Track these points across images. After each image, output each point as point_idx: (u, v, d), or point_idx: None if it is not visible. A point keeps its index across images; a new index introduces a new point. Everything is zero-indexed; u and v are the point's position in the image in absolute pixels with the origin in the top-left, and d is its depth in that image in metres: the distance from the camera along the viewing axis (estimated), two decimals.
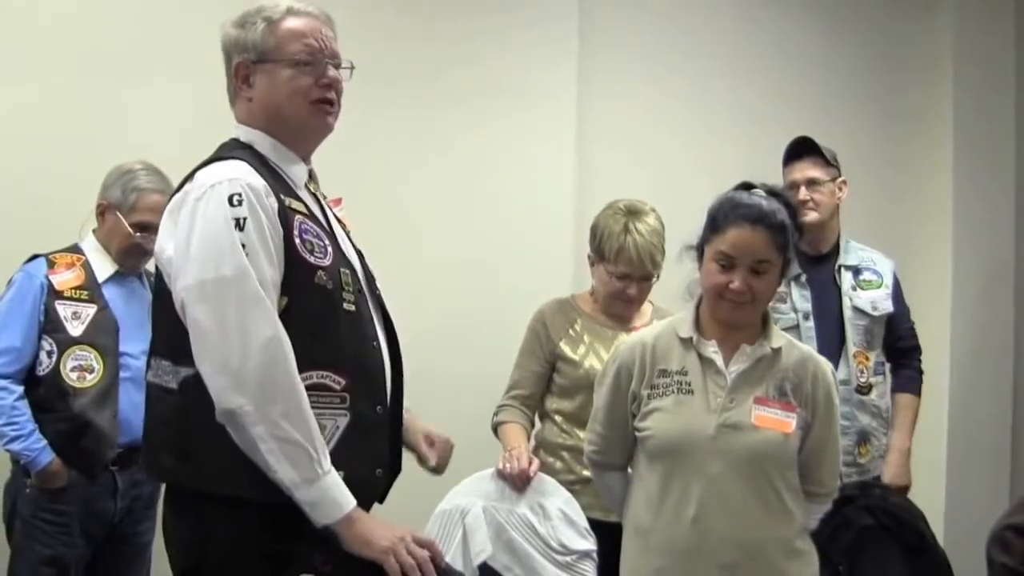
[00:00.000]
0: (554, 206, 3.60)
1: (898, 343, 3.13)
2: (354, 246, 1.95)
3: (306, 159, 1.90)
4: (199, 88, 3.15)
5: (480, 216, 3.57)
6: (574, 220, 3.54)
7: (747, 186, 2.18)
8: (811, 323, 2.97)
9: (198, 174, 1.75)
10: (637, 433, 2.17)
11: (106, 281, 2.85)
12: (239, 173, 1.71)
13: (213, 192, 1.68)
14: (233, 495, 1.66)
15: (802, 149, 3.09)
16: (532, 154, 3.59)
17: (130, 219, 2.81)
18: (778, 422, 2.08)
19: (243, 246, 1.65)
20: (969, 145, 3.85)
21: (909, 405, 3.12)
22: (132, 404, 2.72)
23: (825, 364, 2.19)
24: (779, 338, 2.17)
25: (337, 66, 1.86)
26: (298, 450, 1.61)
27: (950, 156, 3.84)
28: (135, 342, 2.80)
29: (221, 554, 1.68)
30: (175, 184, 2.77)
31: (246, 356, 1.61)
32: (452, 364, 3.36)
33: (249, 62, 1.81)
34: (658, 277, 2.76)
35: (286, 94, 1.80)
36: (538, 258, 3.54)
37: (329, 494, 1.64)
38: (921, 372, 3.18)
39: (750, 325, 2.16)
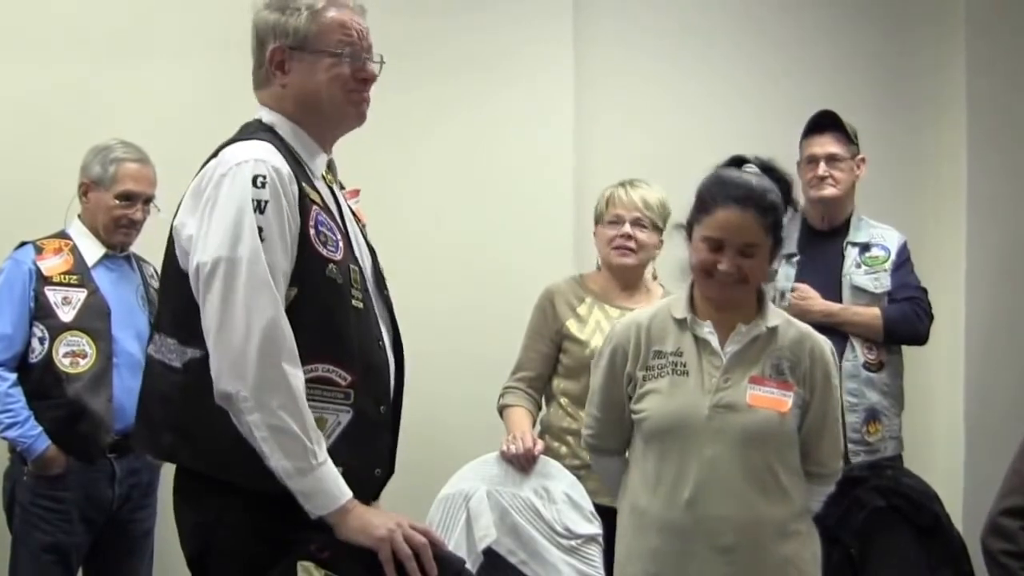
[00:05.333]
0: (553, 182, 3.65)
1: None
2: (368, 243, 2.00)
3: (327, 149, 1.95)
4: (191, 72, 3.30)
5: (477, 194, 3.63)
6: (574, 196, 3.60)
7: (739, 161, 2.22)
8: (785, 302, 3.03)
9: (224, 151, 1.79)
10: (633, 415, 2.23)
11: (95, 265, 2.93)
12: (266, 155, 1.76)
13: (239, 170, 1.73)
14: (231, 481, 1.72)
15: (824, 123, 3.15)
16: (529, 129, 3.64)
17: (113, 190, 2.91)
18: (774, 401, 2.11)
19: (260, 230, 1.70)
20: (984, 114, 3.86)
21: (866, 311, 3.06)
22: (126, 390, 2.81)
23: (823, 342, 2.23)
24: (776, 317, 2.21)
25: (370, 59, 1.92)
26: (293, 440, 1.66)
27: (964, 128, 3.85)
28: (127, 327, 2.90)
29: (224, 540, 1.75)
30: (153, 159, 2.88)
31: (247, 340, 1.66)
32: (452, 345, 3.43)
33: (287, 48, 1.85)
34: (660, 242, 2.85)
35: (325, 82, 1.85)
36: (538, 236, 3.60)
37: (323, 485, 1.69)
38: (915, 314, 3.10)
39: (744, 304, 2.21)
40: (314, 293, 1.76)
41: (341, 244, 1.83)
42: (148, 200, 2.94)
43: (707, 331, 2.18)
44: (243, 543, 1.73)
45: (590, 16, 3.74)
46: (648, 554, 2.17)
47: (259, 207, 1.70)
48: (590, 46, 3.72)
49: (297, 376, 1.69)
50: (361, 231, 2.00)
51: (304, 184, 1.80)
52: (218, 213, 1.71)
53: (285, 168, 1.76)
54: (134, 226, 2.95)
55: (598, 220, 2.91)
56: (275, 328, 1.68)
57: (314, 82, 1.85)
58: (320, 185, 1.89)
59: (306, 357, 1.72)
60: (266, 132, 1.84)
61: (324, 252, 1.78)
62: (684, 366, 2.16)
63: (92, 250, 2.94)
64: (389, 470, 1.94)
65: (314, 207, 1.79)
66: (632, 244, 2.83)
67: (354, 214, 2.01)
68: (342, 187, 2.01)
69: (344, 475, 1.74)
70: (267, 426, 1.65)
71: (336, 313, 1.79)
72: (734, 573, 2.10)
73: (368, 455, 1.84)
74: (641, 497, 2.19)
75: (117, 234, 2.94)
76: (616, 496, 2.34)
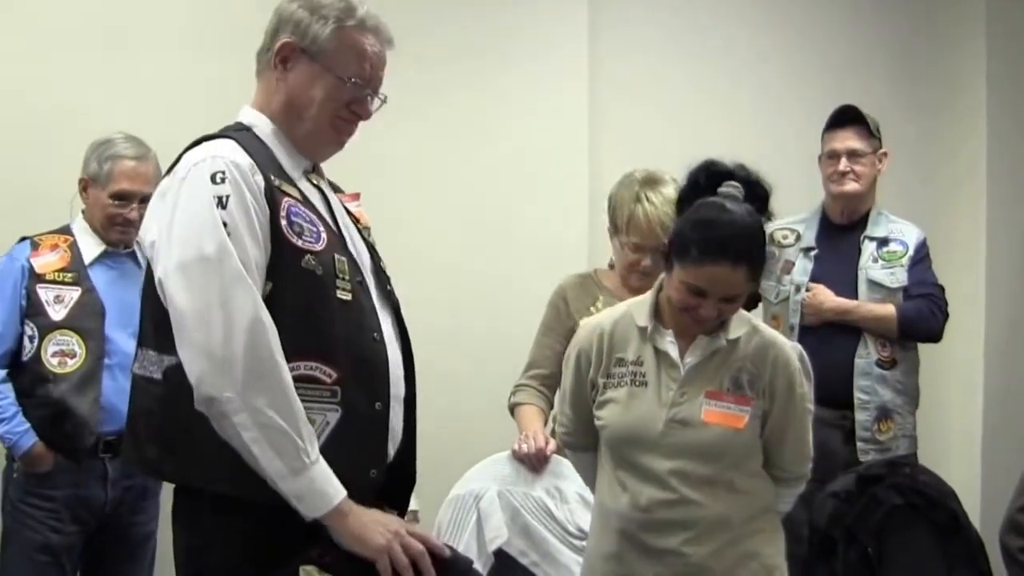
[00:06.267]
0: (567, 169, 3.63)
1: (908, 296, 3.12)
2: (367, 242, 1.94)
3: (309, 157, 1.90)
4: (197, 65, 3.27)
5: (490, 179, 3.61)
6: (588, 185, 3.59)
7: (718, 173, 2.12)
8: (800, 296, 3.07)
9: (185, 155, 1.76)
10: (595, 421, 2.21)
11: (94, 263, 2.90)
12: (223, 151, 1.71)
13: (196, 171, 1.69)
14: (219, 492, 1.68)
15: (846, 118, 3.16)
16: (543, 113, 3.63)
17: (108, 189, 2.88)
18: (729, 417, 2.08)
19: (225, 224, 1.65)
20: (1003, 96, 3.85)
21: (881, 308, 3.08)
22: (119, 390, 2.75)
23: (789, 349, 2.17)
24: (739, 327, 2.15)
25: (374, 95, 1.87)
26: (283, 438, 1.61)
27: (983, 110, 3.84)
28: (124, 327, 2.84)
29: (220, 558, 1.70)
30: (158, 152, 2.85)
31: (229, 338, 1.61)
32: (460, 339, 3.41)
33: (298, 48, 1.81)
34: None
35: (319, 99, 1.81)
36: (552, 224, 3.59)
37: (316, 485, 1.64)
38: (931, 311, 3.11)
39: None
40: (290, 287, 1.71)
41: (324, 235, 1.77)
42: (145, 199, 2.86)
43: (668, 341, 2.14)
44: (240, 559, 1.68)
45: None
46: (611, 555, 2.16)
47: (221, 203, 1.66)
48: (605, 28, 3.71)
49: (284, 370, 1.64)
50: (361, 233, 1.95)
51: (273, 176, 1.75)
52: (179, 216, 1.68)
53: (245, 160, 1.71)
54: (130, 225, 2.90)
55: (614, 227, 2.79)
56: (257, 323, 1.63)
57: (308, 93, 1.81)
58: (303, 184, 1.84)
59: (286, 355, 1.66)
60: (240, 132, 1.80)
61: (299, 243, 1.72)
62: (643, 376, 2.14)
63: (92, 247, 2.91)
64: (390, 472, 1.85)
65: (286, 199, 1.74)
66: (652, 271, 2.72)
67: (353, 217, 1.95)
68: (337, 190, 1.96)
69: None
70: (257, 425, 1.60)
71: (316, 306, 1.73)
72: (695, 572, 2.09)
73: (361, 456, 1.77)
74: (607, 498, 2.19)
75: (113, 232, 2.92)
76: (592, 490, 2.32)
